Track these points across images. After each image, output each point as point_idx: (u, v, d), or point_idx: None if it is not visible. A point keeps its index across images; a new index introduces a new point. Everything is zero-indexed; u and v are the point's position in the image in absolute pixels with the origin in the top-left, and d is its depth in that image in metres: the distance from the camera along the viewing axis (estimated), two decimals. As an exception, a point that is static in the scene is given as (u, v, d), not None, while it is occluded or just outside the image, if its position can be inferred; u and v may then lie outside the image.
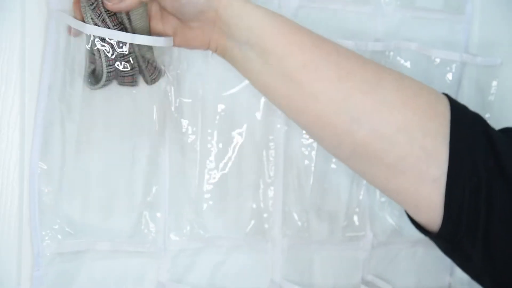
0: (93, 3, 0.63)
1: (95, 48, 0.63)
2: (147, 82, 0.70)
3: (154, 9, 0.65)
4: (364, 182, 0.84)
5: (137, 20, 0.65)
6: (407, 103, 0.58)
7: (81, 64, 0.67)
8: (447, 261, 0.82)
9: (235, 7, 0.59)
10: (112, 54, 0.64)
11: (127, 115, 0.72)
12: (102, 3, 0.62)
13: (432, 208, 0.59)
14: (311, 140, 0.81)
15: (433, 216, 0.60)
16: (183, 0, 0.59)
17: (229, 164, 0.78)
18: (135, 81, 0.69)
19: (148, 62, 0.68)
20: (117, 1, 0.61)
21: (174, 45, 0.65)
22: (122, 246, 0.73)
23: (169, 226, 0.75)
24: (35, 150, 0.67)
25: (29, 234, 0.68)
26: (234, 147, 0.78)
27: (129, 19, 0.65)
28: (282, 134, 0.79)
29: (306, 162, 0.81)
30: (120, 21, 0.64)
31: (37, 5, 0.67)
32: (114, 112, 0.71)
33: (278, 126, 0.79)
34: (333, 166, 0.83)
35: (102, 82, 0.65)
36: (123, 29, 0.65)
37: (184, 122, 0.76)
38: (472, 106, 0.85)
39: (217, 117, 0.77)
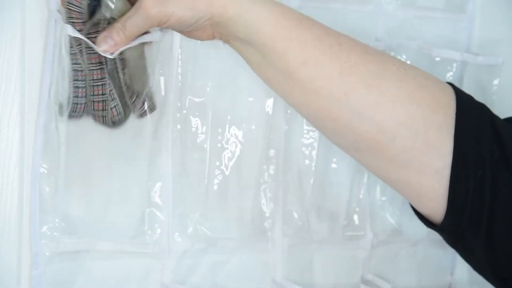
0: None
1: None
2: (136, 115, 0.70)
3: None
4: (365, 181, 0.84)
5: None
6: (411, 95, 0.58)
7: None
8: (448, 260, 0.82)
9: (230, 11, 0.57)
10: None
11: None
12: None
13: (435, 199, 0.59)
14: (311, 140, 0.81)
15: (436, 207, 0.60)
16: (172, 21, 0.58)
17: (230, 164, 0.78)
18: (110, 123, 0.68)
19: (136, 95, 0.69)
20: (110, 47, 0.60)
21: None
22: (124, 247, 0.73)
23: (173, 227, 0.75)
24: (36, 149, 0.67)
25: (29, 233, 0.68)
26: (235, 147, 0.78)
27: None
28: (282, 133, 0.79)
29: (307, 161, 0.81)
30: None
31: (37, 5, 0.66)
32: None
33: (279, 125, 0.79)
34: (333, 165, 0.83)
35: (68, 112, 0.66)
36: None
37: (190, 121, 0.76)
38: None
39: (220, 116, 0.77)
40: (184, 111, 0.75)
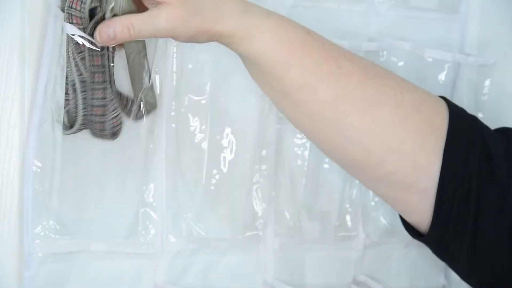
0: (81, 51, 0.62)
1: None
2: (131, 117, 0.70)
3: None
4: (357, 181, 0.84)
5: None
6: (404, 121, 0.58)
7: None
8: (441, 261, 0.82)
9: (236, 34, 0.57)
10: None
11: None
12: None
13: (421, 213, 0.61)
14: (304, 140, 0.81)
15: (422, 220, 0.61)
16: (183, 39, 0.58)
17: (223, 164, 0.78)
18: (110, 130, 0.68)
19: (131, 101, 0.69)
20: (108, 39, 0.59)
21: None
22: (118, 247, 0.72)
23: (166, 227, 0.75)
24: (30, 148, 0.66)
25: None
26: (228, 147, 0.78)
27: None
28: (274, 133, 0.79)
29: (299, 161, 0.81)
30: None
31: (37, 5, 0.66)
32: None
33: (271, 125, 0.79)
34: (325, 166, 0.83)
35: (76, 126, 0.65)
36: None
37: (184, 120, 0.76)
38: (466, 106, 0.85)
39: (213, 116, 0.77)
40: (182, 110, 0.75)
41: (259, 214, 0.80)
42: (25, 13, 0.66)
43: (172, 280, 0.76)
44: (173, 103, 0.74)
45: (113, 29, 0.58)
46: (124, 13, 0.61)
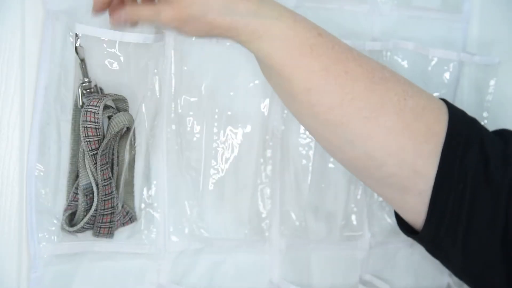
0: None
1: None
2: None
3: None
4: (362, 181, 0.84)
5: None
6: (405, 127, 0.59)
7: (76, 64, 0.68)
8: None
9: (245, 34, 0.57)
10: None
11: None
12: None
13: (416, 213, 0.62)
14: (308, 140, 0.81)
15: (417, 218, 0.63)
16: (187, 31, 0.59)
17: (227, 164, 0.78)
18: (112, 233, 0.71)
19: (122, 205, 0.71)
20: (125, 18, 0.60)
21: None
22: (121, 247, 0.72)
23: (169, 227, 0.75)
24: (32, 151, 0.67)
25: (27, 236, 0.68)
26: (232, 147, 0.78)
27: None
28: (279, 133, 0.79)
29: (304, 161, 0.81)
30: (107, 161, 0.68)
31: (37, 6, 0.67)
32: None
33: (275, 125, 0.79)
34: (330, 165, 0.82)
35: (81, 224, 0.67)
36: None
37: (185, 121, 0.76)
38: (470, 105, 0.85)
39: (216, 116, 0.77)
40: (180, 111, 0.75)
41: (264, 215, 0.80)
42: (25, 14, 0.66)
43: (176, 280, 0.76)
44: (173, 104, 0.74)
45: (123, 17, 0.60)
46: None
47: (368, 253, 0.85)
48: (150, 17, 0.58)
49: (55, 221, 0.68)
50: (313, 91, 0.58)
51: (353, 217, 0.84)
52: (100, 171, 0.67)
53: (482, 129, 0.63)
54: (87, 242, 0.70)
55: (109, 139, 0.67)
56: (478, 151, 0.60)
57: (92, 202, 0.67)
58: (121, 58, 0.70)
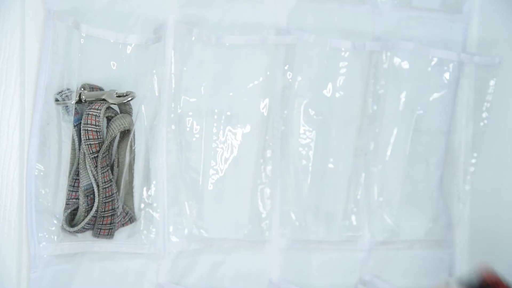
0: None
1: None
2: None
3: None
4: (362, 181, 0.83)
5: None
6: None
7: (80, 64, 0.68)
8: (446, 261, 0.82)
9: None
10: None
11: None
12: None
13: None
14: (308, 140, 0.81)
15: None
16: None
17: (226, 165, 0.78)
18: (112, 234, 0.71)
19: (123, 207, 0.71)
20: None
21: None
22: (121, 248, 0.73)
23: (168, 227, 0.75)
24: (32, 151, 0.67)
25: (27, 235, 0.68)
26: (231, 148, 0.78)
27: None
28: (279, 133, 0.79)
29: (304, 161, 0.81)
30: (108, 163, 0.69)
31: (37, 6, 0.67)
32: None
33: (275, 126, 0.79)
34: (330, 165, 0.82)
35: (81, 225, 0.67)
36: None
37: (185, 121, 0.76)
38: (470, 106, 0.85)
39: (215, 116, 0.77)
40: (179, 111, 0.75)
41: (264, 215, 0.80)
42: (25, 14, 0.66)
43: (175, 280, 0.76)
44: (173, 104, 0.74)
45: None
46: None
47: (368, 254, 0.85)
48: None
49: (55, 221, 0.68)
50: None
51: (353, 217, 0.84)
52: (101, 173, 0.67)
53: None
54: (87, 242, 0.70)
55: (110, 142, 0.67)
56: None
57: (93, 203, 0.67)
58: (122, 58, 0.70)
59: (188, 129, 0.76)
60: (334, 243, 0.84)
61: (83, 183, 0.67)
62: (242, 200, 0.79)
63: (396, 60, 0.83)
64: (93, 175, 0.67)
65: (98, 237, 0.69)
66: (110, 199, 0.68)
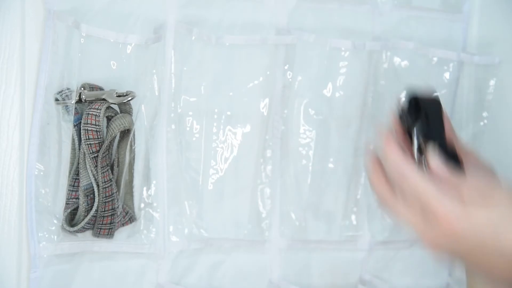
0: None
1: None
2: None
3: None
4: (362, 181, 0.84)
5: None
6: None
7: (80, 64, 0.68)
8: (446, 261, 0.82)
9: None
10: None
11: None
12: None
13: None
14: (308, 140, 0.81)
15: None
16: None
17: (226, 164, 0.78)
18: (112, 234, 0.71)
19: (123, 207, 0.71)
20: None
21: None
22: (121, 247, 0.73)
23: (168, 227, 0.75)
24: (32, 151, 0.67)
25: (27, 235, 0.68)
26: (231, 147, 0.78)
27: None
28: (279, 133, 0.79)
29: (304, 161, 0.81)
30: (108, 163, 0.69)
31: (37, 6, 0.67)
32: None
33: (275, 125, 0.79)
34: (330, 165, 0.82)
35: (81, 225, 0.68)
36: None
37: (185, 121, 0.76)
38: (470, 105, 0.85)
39: (215, 116, 0.77)
40: (179, 111, 0.75)
41: (264, 215, 0.80)
42: (25, 14, 0.66)
43: (175, 280, 0.76)
44: (173, 104, 0.74)
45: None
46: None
47: (368, 254, 0.85)
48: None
49: (55, 221, 0.68)
50: None
51: (353, 217, 0.84)
52: (101, 173, 0.67)
53: None
54: (87, 242, 0.70)
55: (110, 142, 0.67)
56: None
57: (93, 203, 0.67)
58: (122, 58, 0.70)
59: (188, 128, 0.76)
60: (334, 243, 0.84)
61: (83, 182, 0.67)
62: (242, 200, 0.79)
63: (396, 59, 0.83)
64: (93, 175, 0.67)
65: (98, 236, 0.69)
66: (110, 199, 0.68)
